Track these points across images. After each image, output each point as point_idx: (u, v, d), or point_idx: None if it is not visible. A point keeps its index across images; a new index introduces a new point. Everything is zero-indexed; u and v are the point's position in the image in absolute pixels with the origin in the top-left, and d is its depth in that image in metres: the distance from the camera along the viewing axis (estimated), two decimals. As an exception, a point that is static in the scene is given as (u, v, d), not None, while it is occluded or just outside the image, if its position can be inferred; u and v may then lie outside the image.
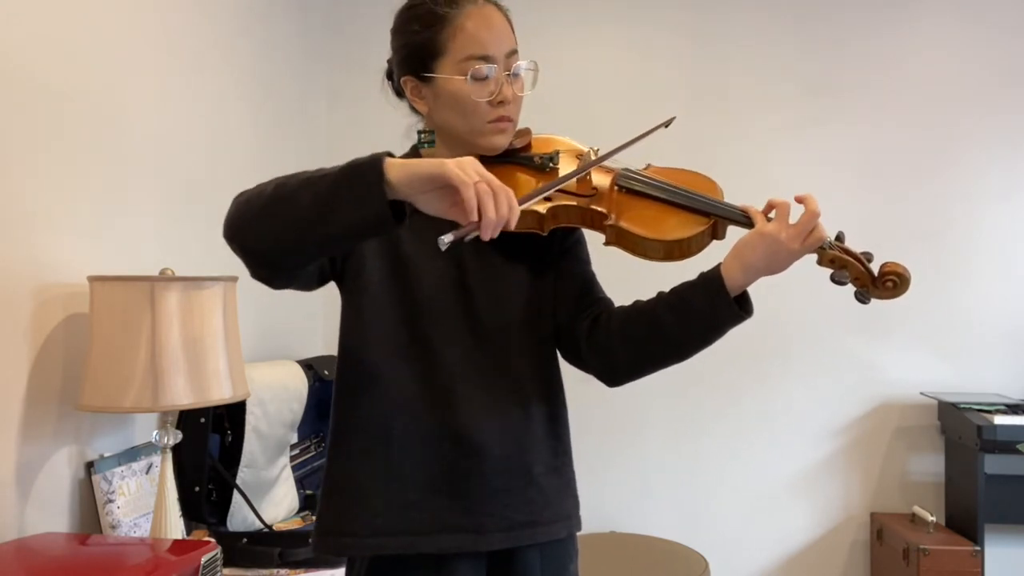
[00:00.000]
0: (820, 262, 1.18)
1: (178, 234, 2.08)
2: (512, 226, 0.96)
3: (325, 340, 3.03)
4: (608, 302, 1.29)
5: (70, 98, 1.67)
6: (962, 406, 2.69)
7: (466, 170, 0.93)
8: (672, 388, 2.99)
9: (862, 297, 1.18)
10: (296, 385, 2.28)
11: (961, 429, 2.66)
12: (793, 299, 2.88)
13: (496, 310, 1.23)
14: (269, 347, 2.59)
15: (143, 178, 1.93)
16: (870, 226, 2.86)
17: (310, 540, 1.23)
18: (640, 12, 3.05)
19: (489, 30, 1.17)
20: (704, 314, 1.16)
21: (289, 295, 2.94)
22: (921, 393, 2.91)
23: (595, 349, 1.24)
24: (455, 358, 1.20)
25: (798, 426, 2.98)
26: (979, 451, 2.57)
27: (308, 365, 2.43)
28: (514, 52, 1.21)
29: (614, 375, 1.26)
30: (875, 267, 1.17)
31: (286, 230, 1.00)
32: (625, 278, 1.49)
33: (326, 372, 2.53)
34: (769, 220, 1.15)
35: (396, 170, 0.95)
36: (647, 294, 1.25)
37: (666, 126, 1.26)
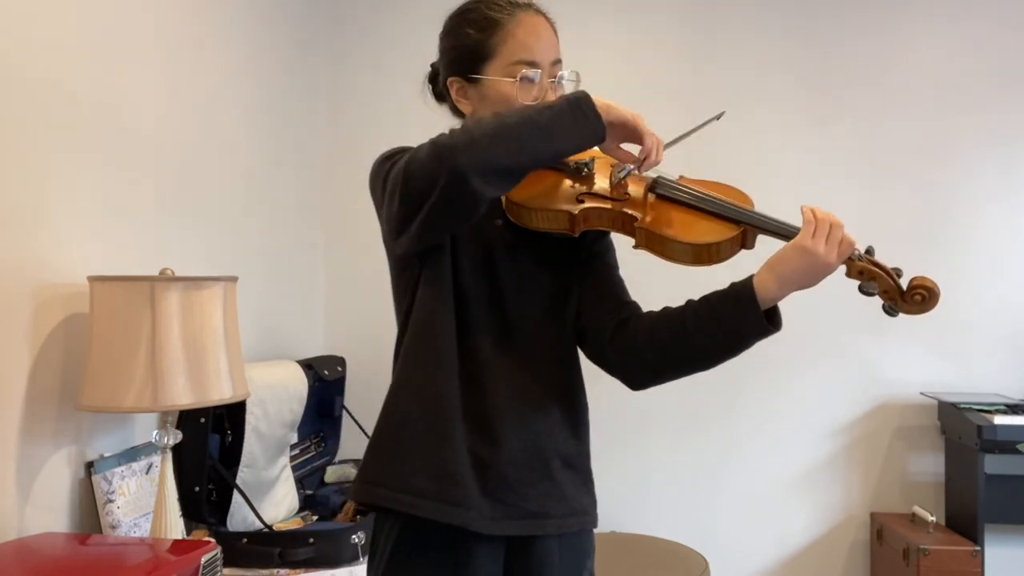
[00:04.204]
0: (849, 274, 1.19)
1: (178, 234, 2.08)
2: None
3: (325, 340, 3.02)
4: (636, 306, 1.32)
5: (70, 98, 1.67)
6: (962, 406, 2.69)
7: (645, 122, 1.20)
8: (672, 388, 2.96)
9: (891, 311, 1.18)
10: (296, 385, 2.28)
11: (961, 429, 2.66)
12: (793, 300, 2.86)
13: (522, 309, 1.28)
14: (269, 347, 2.59)
15: (143, 178, 1.93)
16: (869, 226, 2.86)
17: (351, 487, 1.29)
18: (640, 12, 3.05)
19: (538, 38, 1.25)
20: (731, 325, 1.18)
21: (289, 295, 2.94)
22: (921, 393, 2.91)
23: (620, 351, 1.27)
24: (485, 347, 1.25)
25: (798, 426, 2.98)
26: (979, 451, 2.57)
27: (308, 365, 2.43)
28: (559, 61, 1.29)
29: (637, 378, 1.30)
30: (904, 282, 1.17)
31: (529, 145, 1.13)
32: (654, 286, 1.50)
33: (326, 372, 2.53)
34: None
35: (599, 103, 1.16)
36: (675, 302, 1.26)
37: (717, 119, 1.32)
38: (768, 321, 1.17)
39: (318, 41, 3.04)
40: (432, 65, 1.38)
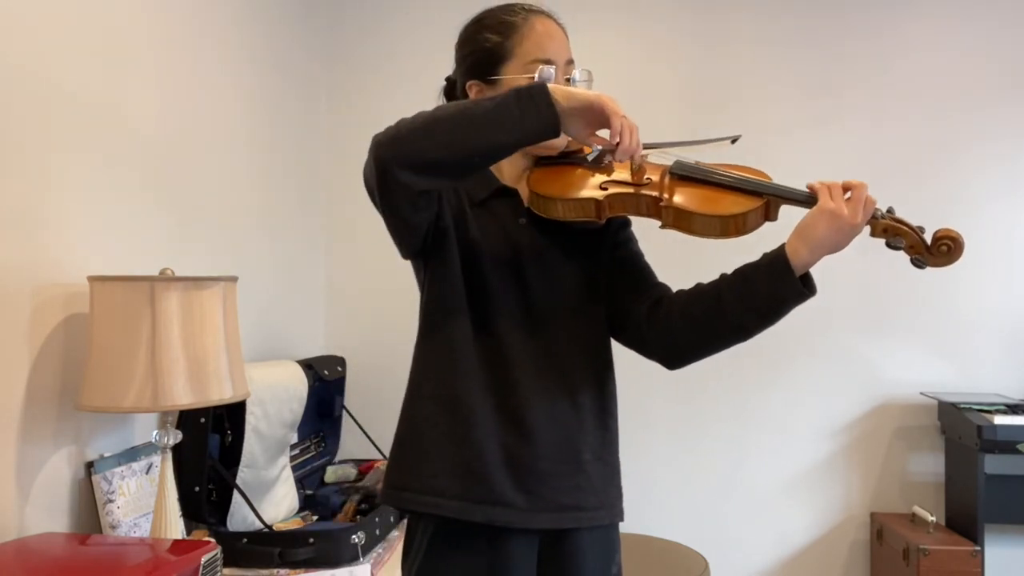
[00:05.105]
0: (874, 232, 1.22)
1: (178, 234, 2.08)
2: (637, 158, 1.17)
3: (325, 340, 3.03)
4: (666, 287, 1.35)
5: (70, 98, 1.67)
6: (962, 406, 2.69)
7: (615, 104, 1.12)
8: (672, 388, 2.99)
9: (918, 263, 1.22)
10: (296, 385, 2.28)
11: (961, 429, 2.66)
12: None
13: (549, 303, 1.29)
14: (269, 347, 2.59)
15: (143, 178, 1.93)
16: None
17: (378, 492, 1.29)
18: (641, 12, 3.05)
19: (552, 38, 1.30)
20: (768, 294, 1.20)
21: (289, 295, 2.94)
22: (921, 393, 2.91)
23: (656, 332, 1.30)
24: (513, 343, 1.27)
25: (798, 426, 2.98)
26: (979, 451, 2.57)
27: (308, 365, 2.43)
28: (571, 62, 1.32)
29: (675, 357, 1.32)
30: (928, 237, 1.21)
31: (461, 138, 1.11)
32: (680, 272, 1.51)
33: (326, 372, 2.53)
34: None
35: (558, 91, 1.12)
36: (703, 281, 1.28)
37: (732, 142, 1.33)
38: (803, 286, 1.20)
39: (318, 41, 3.04)
40: (447, 78, 1.41)
